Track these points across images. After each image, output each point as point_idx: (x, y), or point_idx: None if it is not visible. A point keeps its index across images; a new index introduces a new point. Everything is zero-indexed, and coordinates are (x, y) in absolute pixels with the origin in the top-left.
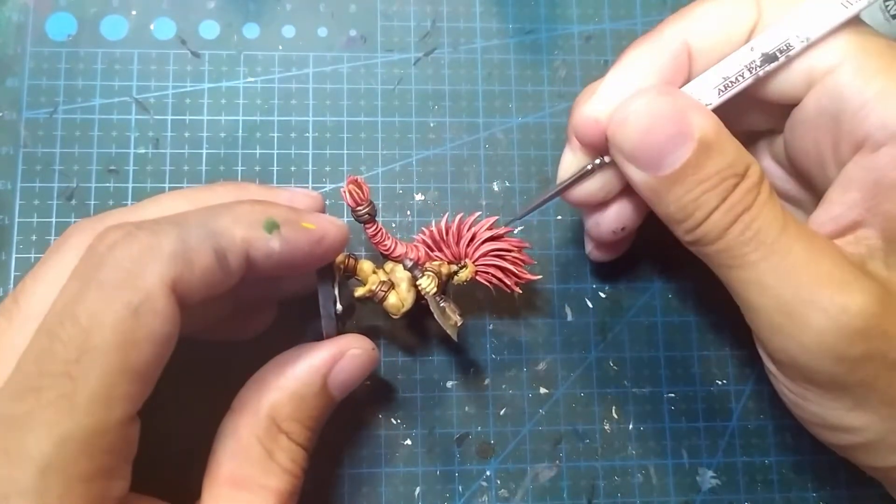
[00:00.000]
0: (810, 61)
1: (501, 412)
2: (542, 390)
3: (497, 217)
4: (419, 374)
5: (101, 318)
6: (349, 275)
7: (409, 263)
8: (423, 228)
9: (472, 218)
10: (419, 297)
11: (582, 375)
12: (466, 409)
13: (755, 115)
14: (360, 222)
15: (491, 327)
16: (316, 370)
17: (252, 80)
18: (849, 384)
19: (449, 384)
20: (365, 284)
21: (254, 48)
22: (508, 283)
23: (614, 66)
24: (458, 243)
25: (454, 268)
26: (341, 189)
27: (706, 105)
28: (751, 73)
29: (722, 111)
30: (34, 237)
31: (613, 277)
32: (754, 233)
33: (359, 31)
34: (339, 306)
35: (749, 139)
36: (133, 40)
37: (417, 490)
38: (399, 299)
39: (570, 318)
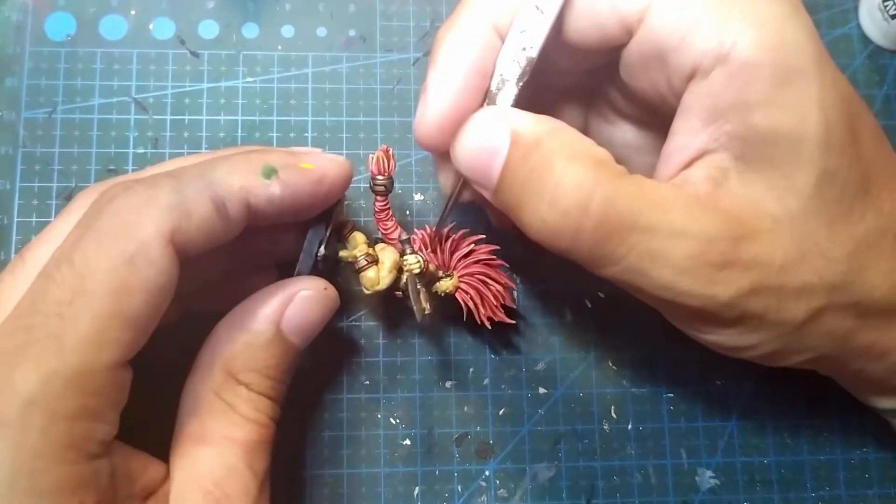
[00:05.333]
0: (616, 5)
1: (500, 412)
2: (541, 390)
3: (498, 247)
4: (418, 374)
5: (96, 263)
6: (342, 236)
7: (405, 236)
8: (426, 226)
9: (475, 238)
10: (395, 285)
11: (581, 375)
12: (465, 409)
13: (586, 59)
14: (375, 192)
15: (490, 327)
16: (266, 317)
17: (251, 79)
18: (742, 318)
19: (448, 384)
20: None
21: (253, 48)
22: (483, 311)
23: (431, 67)
24: (452, 253)
25: (440, 274)
26: (370, 154)
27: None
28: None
29: (555, 65)
30: (33, 237)
31: None
32: (611, 228)
33: (358, 32)
34: (322, 249)
35: (595, 74)
36: (132, 40)
37: (416, 490)
38: (377, 276)
39: (569, 318)
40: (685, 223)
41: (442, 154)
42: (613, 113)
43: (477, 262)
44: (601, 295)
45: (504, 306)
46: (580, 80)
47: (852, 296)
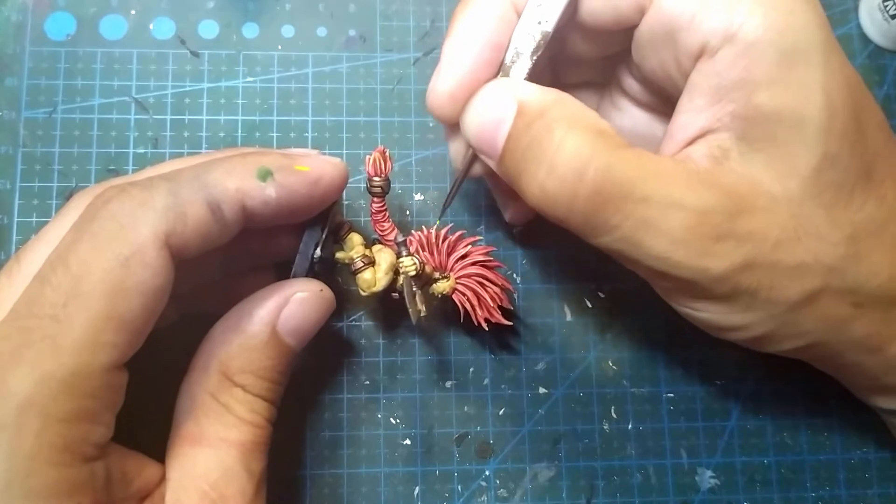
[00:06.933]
0: None
1: (500, 412)
2: (542, 390)
3: (494, 248)
4: (418, 373)
5: (91, 266)
6: (339, 238)
7: (401, 238)
8: (423, 227)
9: (473, 239)
10: (392, 287)
11: (581, 375)
12: (466, 408)
13: (601, 43)
14: (371, 194)
15: (490, 327)
16: (261, 319)
17: (251, 79)
18: (734, 294)
19: (448, 384)
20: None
21: (253, 48)
22: (480, 313)
23: (447, 38)
24: (449, 254)
25: (436, 275)
26: (366, 155)
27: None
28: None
29: (571, 51)
30: (33, 237)
31: (612, 277)
32: (607, 196)
33: (358, 31)
34: (318, 251)
35: (609, 62)
36: (132, 40)
37: (416, 490)
38: (373, 277)
39: (569, 317)
40: (682, 195)
41: (453, 125)
42: (626, 101)
43: (474, 263)
44: (601, 295)
45: (501, 308)
46: (595, 71)
47: (849, 282)
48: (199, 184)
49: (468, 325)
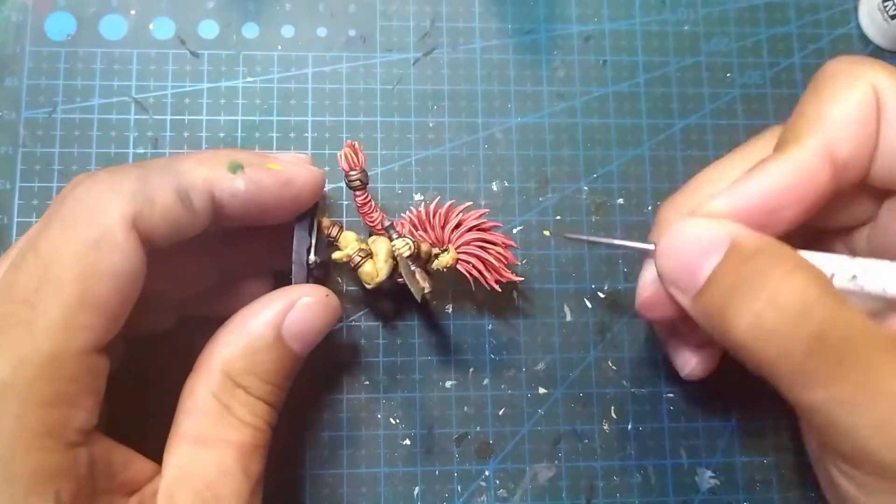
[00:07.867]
0: None
1: (500, 412)
2: (541, 390)
3: (487, 210)
4: (418, 373)
5: (60, 250)
6: (332, 240)
7: (388, 223)
8: (411, 208)
9: (463, 206)
10: (395, 273)
11: (581, 375)
12: (465, 409)
13: (855, 209)
14: (351, 188)
15: (490, 327)
16: (267, 323)
17: (251, 79)
18: None
19: (448, 384)
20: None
21: (253, 48)
22: (488, 277)
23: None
24: (443, 227)
25: (436, 250)
26: (338, 153)
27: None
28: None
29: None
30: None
31: (613, 277)
32: (832, 345)
33: (358, 31)
34: (312, 256)
35: (823, 238)
36: (132, 40)
37: (416, 490)
38: (374, 268)
39: (568, 318)
40: None
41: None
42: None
43: (470, 229)
44: (601, 295)
45: (509, 266)
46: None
47: None
48: (169, 171)
49: (481, 293)
